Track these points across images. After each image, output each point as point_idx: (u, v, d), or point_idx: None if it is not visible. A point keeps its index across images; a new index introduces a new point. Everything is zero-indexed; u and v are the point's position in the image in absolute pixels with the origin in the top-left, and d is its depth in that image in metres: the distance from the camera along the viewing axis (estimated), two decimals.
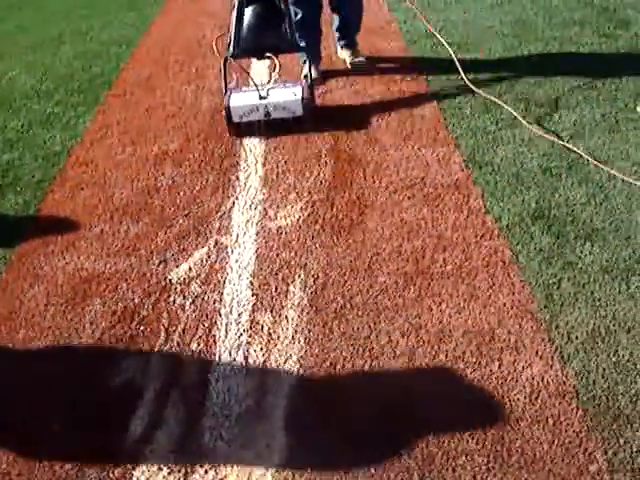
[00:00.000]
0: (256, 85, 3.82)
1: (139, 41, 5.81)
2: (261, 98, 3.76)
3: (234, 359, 2.40)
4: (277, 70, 3.89)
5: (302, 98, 3.75)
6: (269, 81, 3.93)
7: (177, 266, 2.88)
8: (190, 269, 2.86)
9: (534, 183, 3.14)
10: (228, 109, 3.77)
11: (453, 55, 4.30)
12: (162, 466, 2.07)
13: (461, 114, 3.80)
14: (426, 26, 4.90)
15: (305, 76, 4.10)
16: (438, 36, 4.67)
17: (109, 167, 3.73)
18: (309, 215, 3.09)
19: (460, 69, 4.13)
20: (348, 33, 4.57)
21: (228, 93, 3.87)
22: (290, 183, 3.35)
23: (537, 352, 2.29)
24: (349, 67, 4.55)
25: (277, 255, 2.87)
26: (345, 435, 2.11)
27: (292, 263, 2.81)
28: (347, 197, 3.19)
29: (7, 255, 3.10)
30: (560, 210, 2.94)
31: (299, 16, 4.12)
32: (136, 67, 5.20)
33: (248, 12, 3.87)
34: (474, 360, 2.28)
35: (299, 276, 2.74)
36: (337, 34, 4.61)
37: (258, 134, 3.81)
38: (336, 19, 4.53)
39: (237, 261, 2.87)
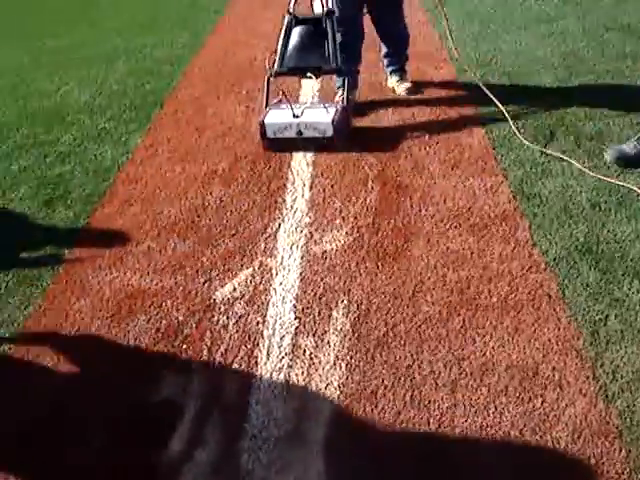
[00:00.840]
0: (290, 104, 3.93)
1: (191, 60, 5.91)
2: (294, 117, 3.88)
3: (275, 382, 2.41)
4: (316, 90, 4.09)
5: (332, 120, 3.83)
6: (308, 100, 4.06)
7: (222, 286, 2.91)
8: (234, 289, 2.88)
9: (582, 217, 3.10)
10: (263, 125, 3.91)
11: (500, 105, 4.31)
12: None
13: (510, 144, 3.78)
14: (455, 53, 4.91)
15: (342, 99, 4.14)
16: (484, 88, 4.66)
17: (158, 184, 3.79)
18: (354, 240, 3.10)
19: (506, 114, 4.04)
20: (395, 60, 4.61)
21: (267, 109, 4.01)
22: (336, 207, 3.36)
23: (581, 390, 2.25)
24: (397, 94, 4.58)
25: (321, 279, 2.88)
26: (382, 464, 2.10)
27: (336, 288, 2.82)
28: (393, 224, 3.19)
29: (55, 267, 3.16)
30: (608, 246, 2.91)
31: (339, 41, 4.13)
32: (188, 86, 5.28)
33: (295, 32, 4.05)
34: (517, 395, 2.25)
35: (342, 301, 2.74)
36: (385, 60, 4.66)
37: (293, 150, 3.93)
38: (383, 46, 4.59)
39: (281, 284, 2.89)
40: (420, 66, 4.93)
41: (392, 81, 4.66)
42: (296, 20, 4.07)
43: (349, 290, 2.80)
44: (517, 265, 2.84)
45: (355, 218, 3.26)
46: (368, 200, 3.39)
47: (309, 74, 4.05)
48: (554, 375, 2.31)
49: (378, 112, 4.37)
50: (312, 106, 4.03)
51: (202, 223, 3.37)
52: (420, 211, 3.26)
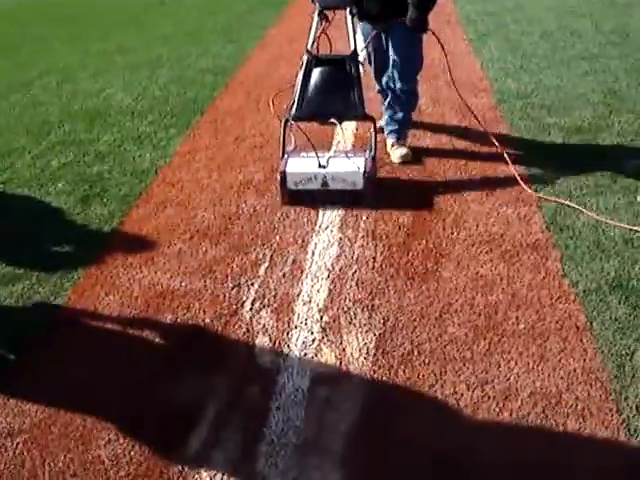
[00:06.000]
0: (316, 152, 3.59)
1: (234, 72, 5.99)
2: (320, 166, 3.55)
3: (297, 391, 2.41)
4: (340, 137, 3.71)
5: (364, 171, 3.50)
6: (330, 149, 3.67)
7: (249, 292, 2.93)
8: (263, 297, 2.89)
9: (614, 252, 3.09)
10: (284, 175, 3.55)
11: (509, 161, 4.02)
12: None
13: (546, 175, 3.77)
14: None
15: (369, 147, 3.78)
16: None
17: (194, 190, 3.84)
18: (384, 258, 3.10)
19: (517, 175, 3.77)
20: (395, 119, 4.11)
21: (286, 157, 3.67)
22: (368, 225, 3.37)
23: (603, 422, 2.23)
24: (392, 160, 4.09)
25: (348, 293, 2.89)
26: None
27: (364, 303, 2.82)
28: (424, 245, 3.20)
29: (87, 262, 3.20)
30: (639, 282, 2.89)
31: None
32: (229, 97, 5.35)
33: (316, 73, 3.68)
34: (538, 422, 2.24)
35: (369, 317, 2.75)
36: (386, 115, 4.17)
37: (313, 204, 3.59)
38: (389, 97, 4.08)
39: (309, 295, 2.90)
40: (461, 93, 4.94)
41: (388, 144, 4.18)
42: (316, 60, 3.69)
43: (376, 306, 2.81)
44: (546, 294, 2.83)
45: (387, 236, 3.27)
46: (401, 220, 3.41)
47: (332, 120, 3.65)
48: (577, 405, 2.29)
49: (415, 134, 4.38)
50: (337, 154, 3.70)
51: (234, 230, 3.40)
52: (452, 234, 3.27)
